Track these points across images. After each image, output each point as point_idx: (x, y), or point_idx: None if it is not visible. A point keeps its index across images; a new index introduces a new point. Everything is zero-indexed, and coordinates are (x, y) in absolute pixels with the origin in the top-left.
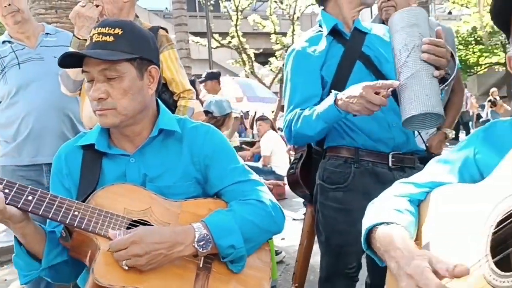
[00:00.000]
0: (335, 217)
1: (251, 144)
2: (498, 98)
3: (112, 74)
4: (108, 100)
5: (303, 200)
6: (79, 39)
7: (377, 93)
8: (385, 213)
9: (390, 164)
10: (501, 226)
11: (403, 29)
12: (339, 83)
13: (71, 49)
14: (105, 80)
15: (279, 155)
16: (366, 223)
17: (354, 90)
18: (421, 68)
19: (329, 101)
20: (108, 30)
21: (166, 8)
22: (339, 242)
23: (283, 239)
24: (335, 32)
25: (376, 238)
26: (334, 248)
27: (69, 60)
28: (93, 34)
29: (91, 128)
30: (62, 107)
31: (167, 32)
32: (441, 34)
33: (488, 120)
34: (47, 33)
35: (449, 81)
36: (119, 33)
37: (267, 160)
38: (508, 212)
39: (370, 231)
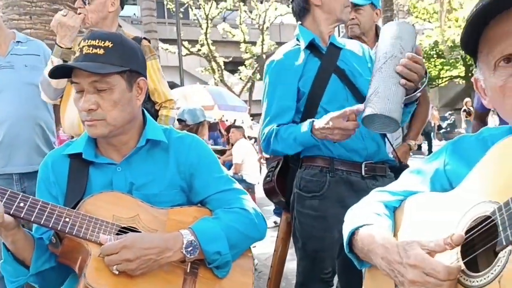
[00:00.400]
0: (311, 224)
1: (222, 152)
2: (472, 108)
3: (102, 86)
4: (98, 111)
5: (274, 208)
6: (61, 47)
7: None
8: (366, 217)
9: (363, 173)
10: (469, 232)
11: (388, 39)
12: (316, 95)
13: (53, 58)
14: (95, 92)
15: (250, 163)
16: (347, 227)
17: (326, 122)
18: (392, 76)
19: (305, 129)
20: (98, 43)
21: (134, 14)
22: (315, 248)
23: (254, 246)
24: (312, 46)
25: (358, 240)
26: (311, 254)
27: (58, 71)
28: (83, 46)
29: (72, 136)
30: (34, 116)
31: (149, 42)
32: (420, 51)
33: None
34: (18, 41)
35: (413, 94)
36: (109, 46)
37: (238, 168)
38: (475, 219)
39: (353, 234)
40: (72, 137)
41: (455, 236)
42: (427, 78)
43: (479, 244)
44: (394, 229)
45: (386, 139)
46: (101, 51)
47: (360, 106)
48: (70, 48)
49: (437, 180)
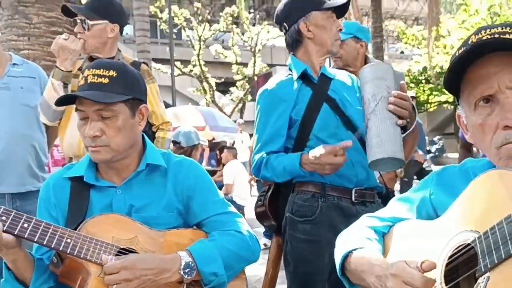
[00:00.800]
0: (303, 247)
1: (212, 173)
2: None
3: (107, 114)
4: (102, 138)
5: (264, 230)
6: (62, 70)
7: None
8: (358, 241)
9: (353, 198)
10: (452, 259)
11: (372, 81)
12: (308, 122)
13: (54, 81)
14: (100, 119)
15: (240, 185)
16: (340, 251)
17: (316, 158)
18: (387, 117)
19: (294, 161)
20: (103, 72)
21: (127, 33)
22: (306, 271)
23: None
24: (304, 77)
25: (352, 262)
26: (302, 277)
27: (63, 98)
28: (88, 75)
29: (70, 157)
30: (28, 136)
31: (147, 66)
32: (405, 88)
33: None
34: (14, 63)
35: (409, 130)
36: (114, 75)
37: (229, 188)
38: (457, 247)
39: (346, 257)
40: (71, 158)
41: (426, 263)
42: (416, 114)
43: (461, 270)
44: (383, 253)
45: None
46: (106, 80)
47: (348, 142)
48: (71, 71)
49: (423, 208)
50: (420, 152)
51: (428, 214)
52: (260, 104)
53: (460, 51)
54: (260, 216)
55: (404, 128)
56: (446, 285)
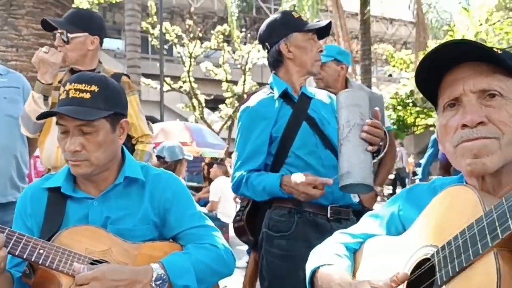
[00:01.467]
0: (278, 263)
1: (197, 189)
2: None
3: (88, 129)
4: (82, 152)
5: (247, 248)
6: (42, 83)
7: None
8: (327, 257)
9: (328, 215)
10: (414, 273)
11: (347, 107)
12: (287, 140)
13: (34, 93)
14: (80, 134)
15: (226, 202)
16: (309, 266)
17: (295, 184)
18: (359, 144)
19: (274, 182)
20: (84, 87)
21: (118, 48)
22: (281, 287)
23: (225, 286)
24: (285, 95)
25: (318, 278)
26: None
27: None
28: (70, 90)
29: (49, 169)
30: (11, 147)
31: (129, 78)
32: (379, 114)
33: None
34: None
35: (379, 156)
36: (95, 90)
37: (214, 205)
38: (419, 261)
39: (314, 273)
40: (49, 170)
41: (400, 274)
42: (387, 140)
43: (422, 283)
44: (354, 269)
45: None
46: (88, 95)
47: (329, 181)
48: (51, 84)
49: (393, 224)
50: (411, 160)
51: (397, 229)
52: (241, 122)
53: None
54: (238, 231)
55: (377, 152)
56: None
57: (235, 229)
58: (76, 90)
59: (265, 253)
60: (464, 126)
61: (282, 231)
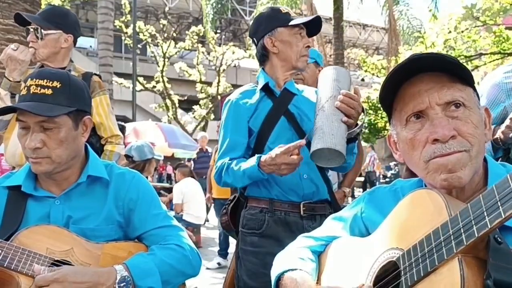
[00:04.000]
0: (250, 260)
1: (169, 190)
2: None
3: (49, 126)
4: (43, 149)
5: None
6: (10, 81)
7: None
8: (291, 262)
9: (301, 212)
10: (379, 276)
11: (327, 82)
12: (264, 134)
13: (1, 91)
14: (42, 130)
15: (193, 203)
16: (274, 272)
17: (272, 159)
18: (333, 113)
19: (253, 163)
20: (46, 83)
21: (91, 46)
22: (254, 285)
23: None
24: (267, 89)
25: (283, 284)
26: None
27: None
28: (31, 85)
29: (13, 167)
30: None
31: (100, 78)
32: (358, 92)
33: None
34: None
35: (354, 129)
36: (57, 86)
37: (178, 208)
38: (384, 264)
39: (279, 279)
40: (13, 168)
41: (365, 287)
42: (365, 116)
43: (387, 286)
44: (318, 271)
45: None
46: (49, 91)
47: (302, 141)
48: (19, 82)
49: (356, 225)
50: (379, 163)
51: (360, 231)
52: (223, 113)
53: (395, 68)
54: (225, 225)
55: (354, 127)
56: None
57: (221, 223)
58: (37, 86)
59: (240, 252)
60: (436, 140)
61: (253, 228)
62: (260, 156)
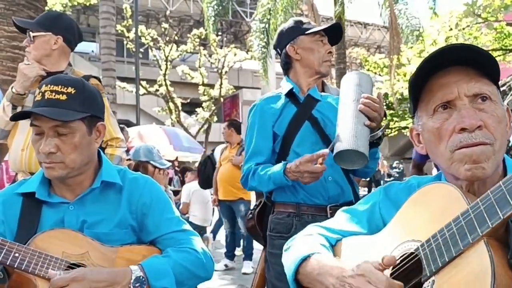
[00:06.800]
0: (280, 263)
1: (175, 193)
2: None
3: (64, 131)
4: (57, 154)
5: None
6: (13, 92)
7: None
8: (314, 246)
9: (328, 215)
10: (396, 268)
11: (350, 86)
12: (288, 138)
13: (4, 100)
14: (56, 136)
15: (198, 205)
16: (294, 255)
17: (296, 166)
18: (356, 116)
19: (279, 170)
20: (61, 89)
21: (92, 51)
22: (284, 287)
23: None
24: (292, 95)
25: (309, 265)
26: None
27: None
28: (45, 91)
29: (16, 172)
30: None
31: (99, 81)
32: (380, 96)
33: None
34: None
35: (376, 132)
36: (72, 92)
37: (185, 207)
38: (401, 256)
39: (302, 261)
40: (16, 174)
41: (386, 258)
42: (386, 120)
43: (406, 277)
44: None
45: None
46: (64, 97)
47: (326, 151)
48: (23, 95)
49: (374, 220)
50: (385, 162)
51: (377, 225)
52: (249, 118)
53: (424, 61)
54: (251, 228)
55: (376, 130)
56: None
57: (247, 227)
58: (52, 91)
59: (268, 256)
60: (463, 130)
61: (282, 232)
62: (286, 163)
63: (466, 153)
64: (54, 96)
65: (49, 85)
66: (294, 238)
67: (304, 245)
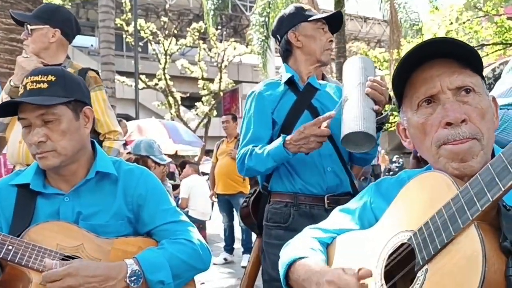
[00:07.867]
0: (276, 253)
1: (174, 187)
2: None
3: (49, 118)
4: (47, 143)
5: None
6: (11, 85)
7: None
8: (302, 250)
9: (326, 205)
10: (391, 259)
11: (354, 69)
12: (288, 126)
13: (3, 94)
14: (43, 124)
15: (198, 198)
16: (284, 260)
17: (300, 132)
18: (363, 99)
19: (278, 143)
20: (41, 78)
21: (92, 45)
22: (278, 278)
23: (203, 283)
24: (291, 83)
25: (295, 271)
26: (276, 284)
27: (4, 109)
28: (26, 83)
29: (14, 165)
30: None
31: (97, 74)
32: (384, 79)
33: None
34: None
35: (383, 115)
36: (53, 80)
37: (184, 202)
38: (394, 248)
39: (289, 267)
40: (14, 166)
41: (362, 270)
42: (391, 105)
43: (400, 268)
44: (327, 263)
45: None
46: (45, 85)
47: (332, 113)
48: (18, 87)
49: (365, 216)
50: (386, 156)
51: (369, 221)
52: (247, 105)
53: (406, 54)
54: (245, 216)
55: (380, 115)
56: (386, 284)
57: (242, 215)
58: (33, 82)
59: (265, 246)
60: (448, 124)
61: (279, 222)
62: (286, 136)
63: (453, 150)
64: (36, 86)
65: (30, 77)
66: (285, 245)
67: (293, 251)
